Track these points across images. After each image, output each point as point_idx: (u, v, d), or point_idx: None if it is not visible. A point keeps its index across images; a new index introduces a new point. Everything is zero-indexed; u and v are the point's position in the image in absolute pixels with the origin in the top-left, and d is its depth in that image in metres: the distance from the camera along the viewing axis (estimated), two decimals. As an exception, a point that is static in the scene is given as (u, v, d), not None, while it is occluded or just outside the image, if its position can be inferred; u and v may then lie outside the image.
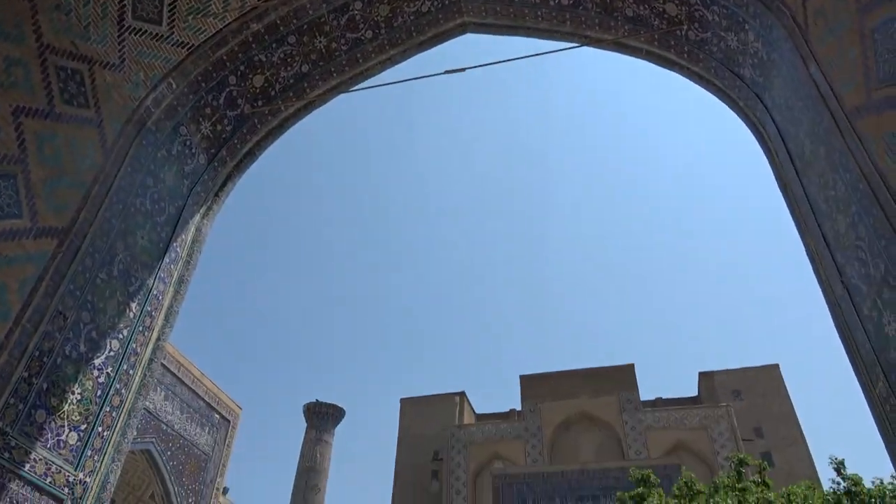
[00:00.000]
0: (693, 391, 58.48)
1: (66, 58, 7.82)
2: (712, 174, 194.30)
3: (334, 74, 10.49)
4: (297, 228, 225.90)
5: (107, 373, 8.03)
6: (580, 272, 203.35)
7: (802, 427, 49.84)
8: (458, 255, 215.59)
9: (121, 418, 8.24)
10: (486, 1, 10.17)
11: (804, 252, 7.50)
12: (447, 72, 9.78)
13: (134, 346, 8.42)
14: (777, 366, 54.20)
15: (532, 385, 55.03)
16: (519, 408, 56.26)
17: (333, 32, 10.11)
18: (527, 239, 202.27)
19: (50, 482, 7.24)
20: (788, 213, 8.02)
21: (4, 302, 6.58)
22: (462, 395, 60.67)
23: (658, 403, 56.08)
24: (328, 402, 75.25)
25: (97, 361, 7.90)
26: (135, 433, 12.88)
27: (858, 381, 6.30)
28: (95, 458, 7.87)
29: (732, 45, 8.51)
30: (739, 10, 8.08)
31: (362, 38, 10.41)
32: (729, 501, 11.69)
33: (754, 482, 12.83)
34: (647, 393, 69.05)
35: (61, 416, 7.40)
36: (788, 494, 12.15)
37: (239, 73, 9.77)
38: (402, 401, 60.75)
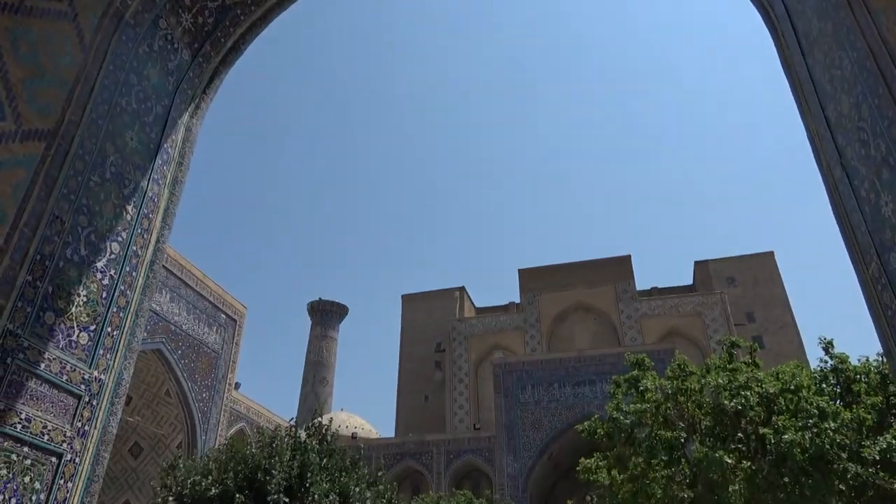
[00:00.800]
0: (688, 280, 59.71)
1: (32, -54, 7.35)
2: (711, 59, 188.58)
3: (318, -41, 9.89)
4: (295, 127, 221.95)
5: (110, 275, 8.13)
6: (577, 164, 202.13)
7: (794, 312, 51.36)
8: (456, 149, 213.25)
9: (128, 318, 8.42)
10: None
11: (803, 137, 7.39)
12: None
13: (134, 248, 8.47)
14: (772, 253, 55.05)
15: (530, 278, 56.12)
16: (518, 301, 57.69)
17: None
18: (523, 131, 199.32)
19: (66, 380, 7.51)
20: (790, 97, 7.83)
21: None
22: (462, 289, 61.98)
23: (653, 293, 57.36)
24: (331, 299, 77.09)
25: (99, 264, 7.97)
26: (144, 333, 13.23)
27: (853, 263, 6.38)
28: (108, 356, 8.12)
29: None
30: None
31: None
32: (720, 380, 12.20)
33: (745, 363, 13.33)
34: (643, 283, 70.53)
35: (70, 317, 7.56)
36: (777, 373, 12.64)
37: (217, -41, 9.22)
38: (404, 297, 62.16)
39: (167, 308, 27.84)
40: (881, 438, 10.81)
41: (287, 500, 14.08)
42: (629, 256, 54.83)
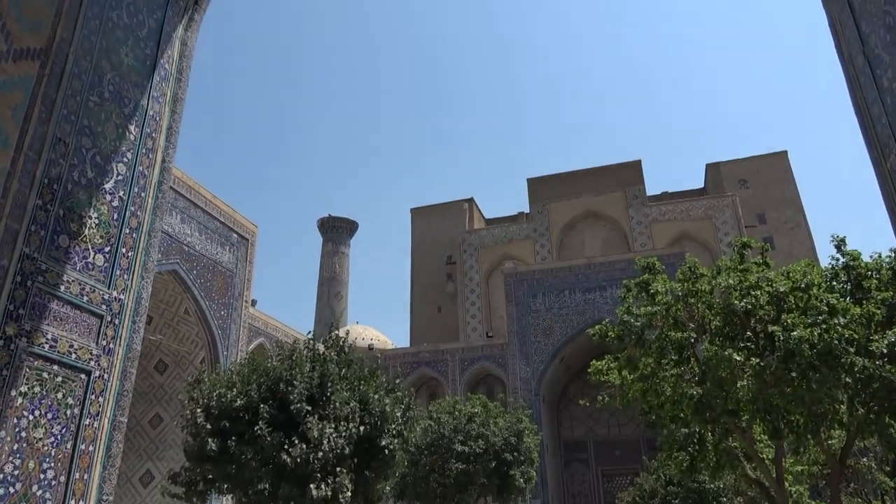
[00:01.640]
0: (700, 183, 59.12)
1: None
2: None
3: None
4: (301, 41, 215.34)
5: (119, 196, 8.12)
6: (585, 67, 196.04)
7: (806, 212, 51.03)
8: (462, 58, 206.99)
9: (141, 239, 8.49)
10: None
11: (819, 29, 7.05)
12: None
13: (140, 168, 8.42)
14: (785, 153, 54.09)
15: (540, 187, 55.78)
16: (527, 210, 57.57)
17: None
18: (528, 36, 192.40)
19: (87, 301, 7.67)
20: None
21: (1, 130, 6.47)
22: (471, 201, 61.82)
23: (664, 197, 56.98)
24: (341, 215, 77.33)
25: (107, 186, 7.95)
26: (158, 254, 13.35)
27: (870, 156, 6.24)
28: (125, 277, 8.25)
29: None
30: None
31: None
32: (730, 281, 12.26)
33: (756, 263, 13.35)
34: (653, 188, 69.99)
35: (84, 240, 7.63)
36: (788, 272, 12.67)
37: None
38: (413, 210, 62.18)
39: (179, 230, 28.05)
40: (890, 332, 10.95)
41: (309, 408, 14.65)
42: (639, 161, 54.12)
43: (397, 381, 17.79)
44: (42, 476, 6.98)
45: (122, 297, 8.19)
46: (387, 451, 15.51)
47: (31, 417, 6.88)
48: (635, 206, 52.25)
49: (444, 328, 54.93)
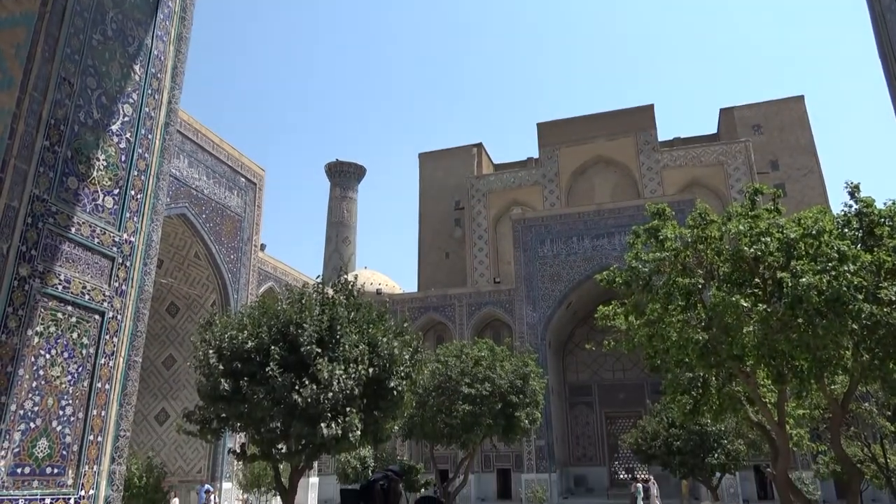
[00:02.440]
0: (713, 129, 58.13)
1: None
2: None
3: None
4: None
5: (126, 138, 8.07)
6: (598, 6, 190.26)
7: (820, 159, 50.26)
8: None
9: (150, 181, 8.47)
10: None
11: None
12: None
13: (147, 109, 8.33)
14: (801, 98, 52.90)
15: (549, 132, 55.02)
16: (536, 156, 56.98)
17: None
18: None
19: (98, 242, 7.72)
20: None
21: (5, 70, 6.38)
22: (479, 146, 61.16)
23: (676, 143, 56.16)
24: (349, 160, 76.86)
25: (114, 127, 7.89)
26: (167, 198, 13.33)
27: (892, 98, 6.08)
28: (135, 219, 8.27)
29: None
30: None
31: None
32: (740, 227, 12.17)
33: (767, 210, 13.21)
34: (665, 133, 68.91)
35: (92, 182, 7.61)
36: (799, 219, 12.54)
37: None
38: (421, 155, 61.65)
39: (187, 173, 27.99)
40: (899, 279, 10.91)
41: (319, 350, 14.90)
42: (651, 106, 53.11)
43: (405, 324, 18.00)
44: (61, 412, 7.17)
45: (132, 239, 8.23)
46: (395, 393, 15.84)
47: (47, 356, 7.02)
48: (646, 152, 51.57)
49: (452, 273, 55.23)
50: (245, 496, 23.00)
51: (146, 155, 8.38)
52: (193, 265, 29.97)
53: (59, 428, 7.15)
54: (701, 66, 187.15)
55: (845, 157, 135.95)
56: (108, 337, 7.81)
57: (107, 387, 7.82)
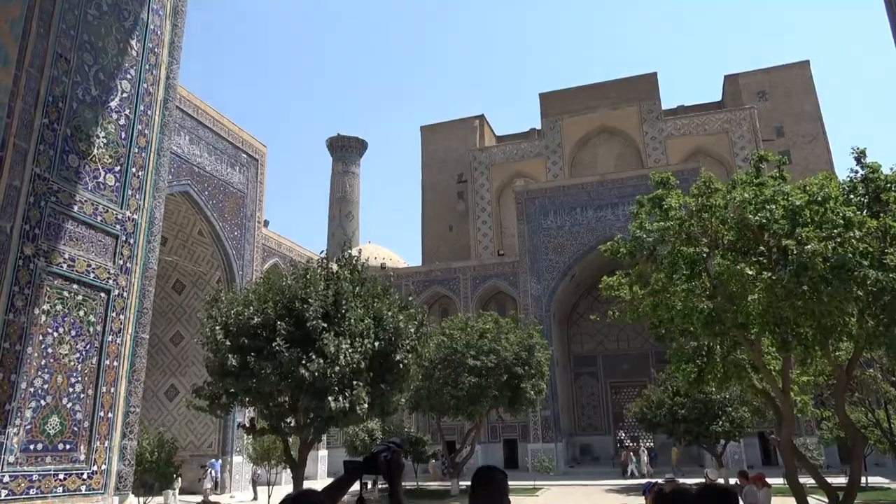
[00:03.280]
0: (717, 96, 57.47)
1: None
2: None
3: None
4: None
5: (125, 115, 8.01)
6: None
7: (826, 124, 49.74)
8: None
9: (151, 158, 8.43)
10: None
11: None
12: None
13: (145, 85, 8.25)
14: (807, 63, 52.17)
15: (552, 102, 54.48)
16: (539, 127, 56.50)
17: None
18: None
19: (101, 220, 7.71)
20: None
21: (0, 46, 6.31)
22: (481, 118, 60.65)
23: (679, 111, 55.58)
24: (350, 134, 76.41)
25: (113, 104, 7.82)
26: (168, 175, 13.30)
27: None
28: (137, 196, 8.25)
29: None
30: None
31: None
32: (745, 195, 12.08)
33: (772, 177, 13.11)
34: (669, 102, 68.22)
35: (93, 160, 7.58)
36: (804, 186, 12.45)
37: None
38: (423, 128, 61.19)
39: (188, 150, 27.87)
40: (905, 245, 10.85)
41: (325, 325, 14.97)
42: (654, 74, 52.45)
43: (410, 298, 18.06)
44: (70, 389, 7.24)
45: (135, 216, 8.22)
46: (401, 366, 15.95)
47: (55, 334, 7.07)
48: (650, 121, 51.09)
49: (456, 247, 55.22)
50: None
51: (146, 131, 8.32)
52: (198, 242, 30.02)
53: (69, 405, 7.22)
54: (705, 32, 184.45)
55: (851, 123, 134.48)
56: (114, 314, 7.85)
57: (115, 364, 7.88)
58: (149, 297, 8.50)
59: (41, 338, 6.91)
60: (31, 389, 6.76)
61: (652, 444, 40.17)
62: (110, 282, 7.82)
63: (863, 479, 18.53)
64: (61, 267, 7.12)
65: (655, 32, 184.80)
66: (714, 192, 13.08)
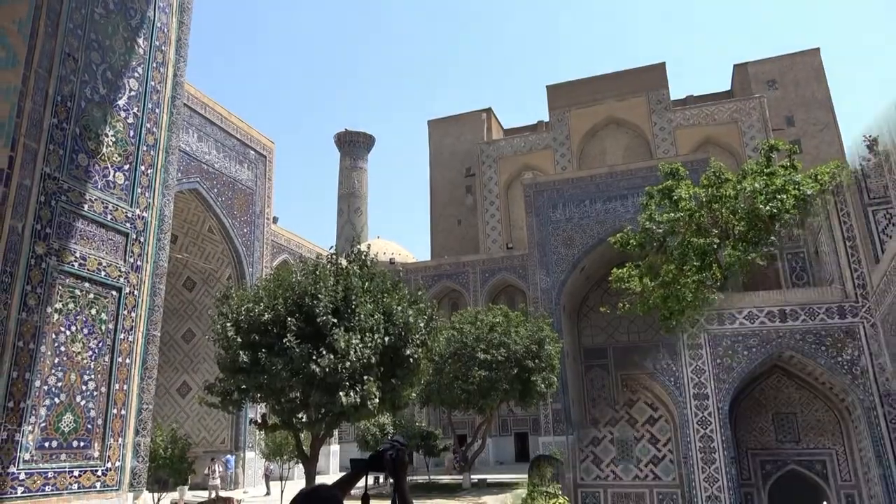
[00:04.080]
0: (727, 86, 57.01)
1: None
2: None
3: None
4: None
5: (133, 113, 8.03)
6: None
7: (836, 113, 49.21)
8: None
9: (160, 156, 8.45)
10: None
11: None
12: None
13: (153, 83, 8.26)
14: (817, 50, 51.61)
15: (560, 94, 54.22)
16: (547, 119, 56.26)
17: None
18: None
19: (111, 219, 7.75)
20: None
21: (8, 46, 6.33)
22: (489, 111, 60.47)
23: (688, 101, 55.19)
24: (358, 130, 76.42)
25: (121, 102, 7.84)
26: (177, 172, 13.33)
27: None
28: (146, 195, 8.28)
29: None
30: None
31: None
32: (756, 185, 12.01)
33: (782, 166, 13.02)
34: (678, 92, 67.69)
35: (102, 158, 7.61)
36: (815, 174, 12.36)
37: None
38: (430, 122, 61.10)
39: (196, 148, 27.95)
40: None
41: (335, 320, 14.99)
42: (663, 64, 52.07)
43: (419, 293, 18.05)
44: (84, 387, 7.29)
45: (145, 214, 8.25)
46: (411, 360, 15.95)
47: (68, 333, 7.11)
48: (658, 112, 50.76)
49: (465, 241, 55.19)
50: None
51: (154, 129, 8.34)
52: (208, 240, 30.14)
53: (83, 402, 7.28)
54: (713, 21, 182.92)
55: (862, 111, 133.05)
56: (126, 312, 7.90)
57: (127, 361, 7.93)
58: (160, 294, 8.54)
59: (54, 336, 6.96)
60: (45, 387, 6.82)
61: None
62: (121, 280, 7.86)
63: None
64: (73, 265, 7.16)
65: (663, 22, 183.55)
66: (724, 183, 13.01)
